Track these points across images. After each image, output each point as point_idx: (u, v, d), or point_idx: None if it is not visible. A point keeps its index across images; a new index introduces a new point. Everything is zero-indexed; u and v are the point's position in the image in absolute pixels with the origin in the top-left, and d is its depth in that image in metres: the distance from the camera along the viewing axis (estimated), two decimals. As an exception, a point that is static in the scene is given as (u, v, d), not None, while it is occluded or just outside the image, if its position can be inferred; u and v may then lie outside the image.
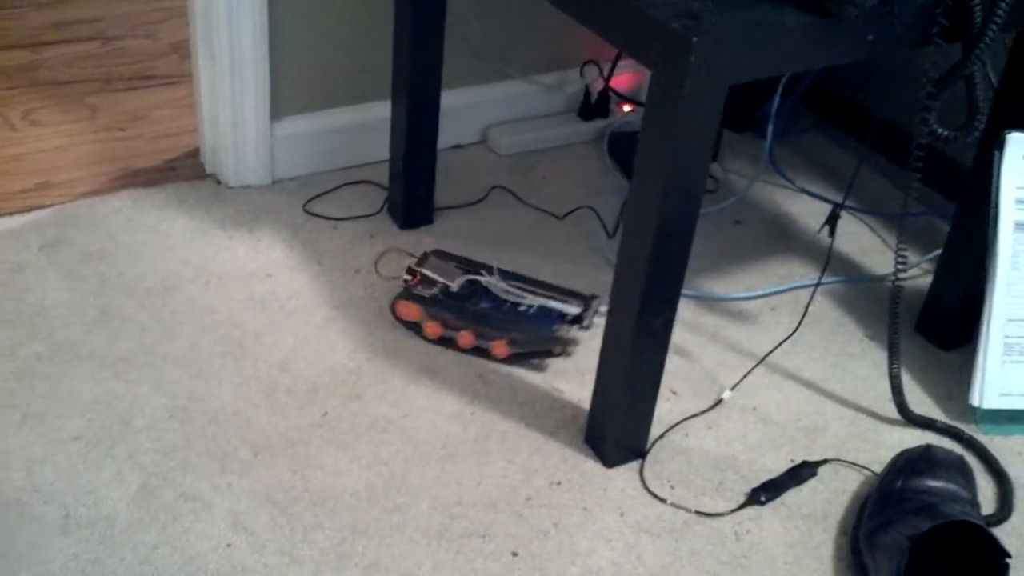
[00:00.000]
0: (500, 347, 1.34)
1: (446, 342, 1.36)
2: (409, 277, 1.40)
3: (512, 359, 1.34)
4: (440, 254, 1.45)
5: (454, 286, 1.38)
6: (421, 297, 1.37)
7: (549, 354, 1.35)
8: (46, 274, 1.41)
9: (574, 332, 1.38)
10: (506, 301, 1.38)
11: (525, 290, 1.40)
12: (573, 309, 1.37)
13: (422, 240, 1.55)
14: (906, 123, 1.67)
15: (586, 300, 1.39)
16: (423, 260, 1.43)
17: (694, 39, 0.94)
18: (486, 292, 1.39)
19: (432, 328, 1.35)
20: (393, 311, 1.38)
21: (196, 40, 1.56)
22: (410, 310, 1.36)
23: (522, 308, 1.37)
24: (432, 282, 1.38)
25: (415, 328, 1.37)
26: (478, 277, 1.39)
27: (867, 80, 1.84)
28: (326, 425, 1.23)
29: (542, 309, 1.38)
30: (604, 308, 1.33)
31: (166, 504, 1.11)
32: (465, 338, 1.34)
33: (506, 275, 1.42)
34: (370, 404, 1.27)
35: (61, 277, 1.40)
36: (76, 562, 1.05)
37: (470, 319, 1.36)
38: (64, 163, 1.63)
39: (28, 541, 1.06)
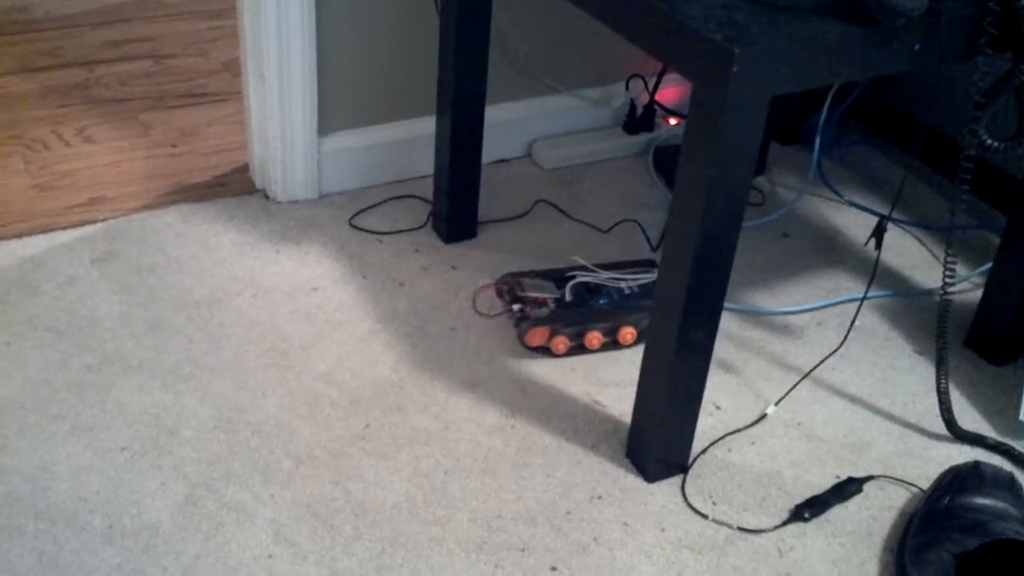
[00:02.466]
0: (628, 334, 1.37)
1: (575, 351, 1.37)
2: (518, 306, 1.39)
3: (641, 340, 1.37)
4: (521, 275, 1.43)
5: (566, 295, 1.38)
6: (540, 319, 1.36)
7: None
8: (97, 287, 1.43)
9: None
10: (614, 290, 1.39)
11: (620, 275, 1.41)
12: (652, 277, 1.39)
13: (467, 253, 1.55)
14: (955, 134, 1.64)
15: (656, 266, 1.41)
16: (516, 286, 1.40)
17: (736, 51, 0.94)
18: (596, 289, 1.40)
19: (559, 343, 1.36)
20: (523, 342, 1.37)
21: (246, 58, 1.58)
22: (539, 334, 1.36)
23: (627, 292, 1.39)
24: (539, 302, 1.38)
25: (543, 351, 1.37)
26: (586, 277, 1.40)
27: (916, 91, 1.81)
28: (368, 437, 1.24)
29: (643, 287, 1.40)
30: None
31: (209, 514, 1.13)
32: (593, 339, 1.36)
33: (596, 267, 1.43)
34: (412, 416, 1.27)
35: (112, 290, 1.43)
36: (120, 571, 1.06)
37: (591, 319, 1.37)
38: (116, 179, 1.67)
39: (73, 549, 1.08)
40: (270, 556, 1.09)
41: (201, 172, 1.70)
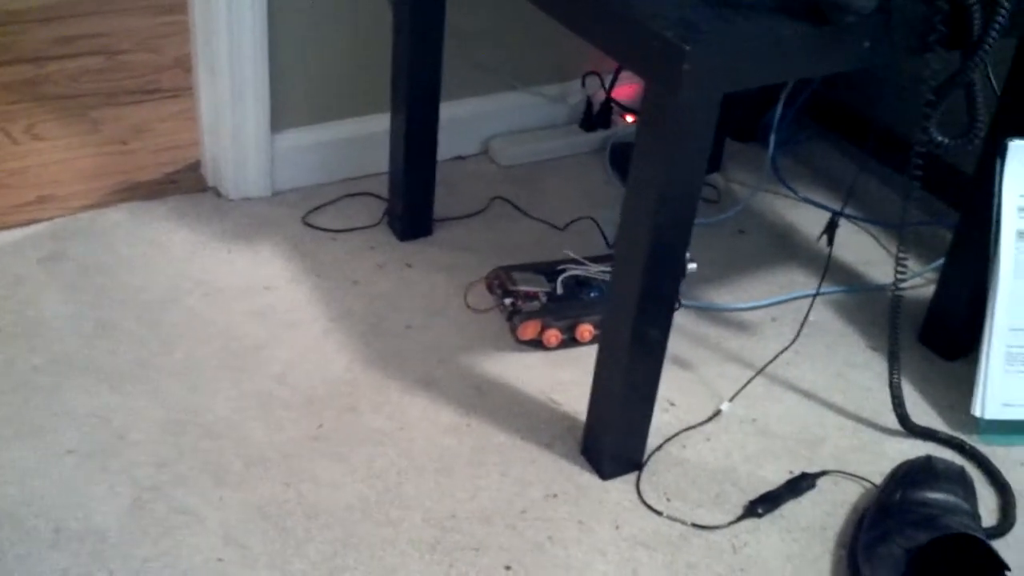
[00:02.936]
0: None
1: (567, 344, 1.37)
2: (510, 300, 1.38)
3: None
4: (511, 268, 1.43)
5: (558, 288, 1.38)
6: (532, 312, 1.36)
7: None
8: (45, 287, 1.41)
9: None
10: (604, 283, 1.39)
11: (611, 268, 1.41)
12: None
13: (423, 251, 1.54)
14: (907, 131, 1.66)
15: None
16: (507, 279, 1.40)
17: (687, 47, 0.93)
18: (586, 282, 1.40)
19: (551, 336, 1.36)
20: (515, 335, 1.36)
21: (197, 53, 1.56)
22: (532, 328, 1.35)
23: None
24: (531, 296, 1.37)
25: (535, 344, 1.37)
26: (576, 271, 1.40)
27: (869, 89, 1.83)
28: (321, 437, 1.23)
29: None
30: (693, 265, 1.38)
31: (158, 518, 1.11)
32: (585, 332, 1.36)
33: (586, 260, 1.43)
34: (366, 416, 1.26)
35: (60, 290, 1.41)
36: (67, 576, 1.04)
37: (582, 312, 1.37)
38: (65, 177, 1.64)
39: (19, 555, 1.06)
40: (220, 559, 1.07)
41: (152, 169, 1.68)
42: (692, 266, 1.35)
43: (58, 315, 1.36)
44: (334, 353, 1.35)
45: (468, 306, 1.42)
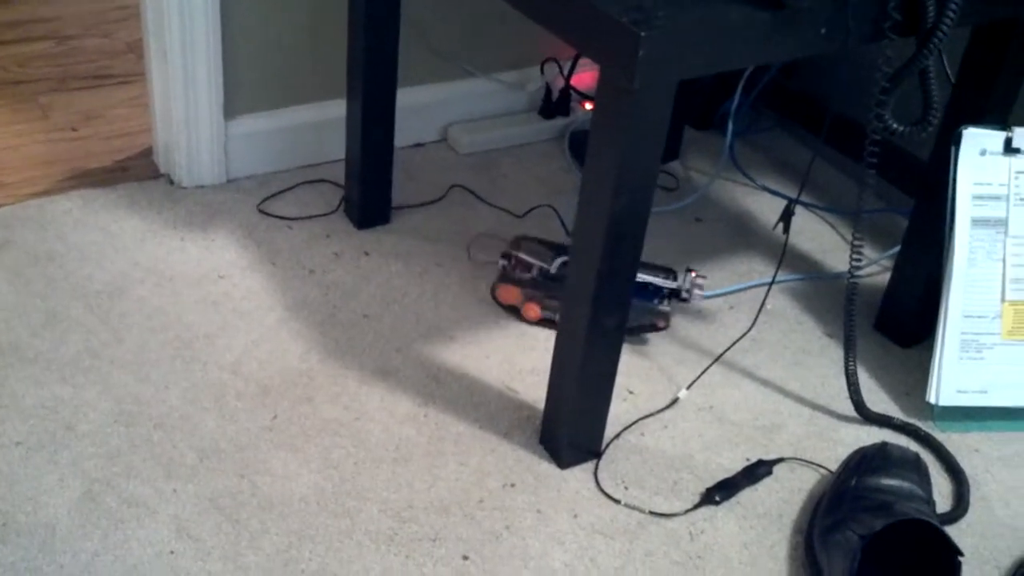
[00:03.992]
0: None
1: (545, 323, 1.37)
2: (506, 262, 1.39)
3: None
4: (531, 239, 1.43)
5: (552, 268, 1.37)
6: (520, 280, 1.37)
7: (654, 328, 1.38)
8: (-8, 276, 1.38)
9: (673, 305, 1.40)
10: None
11: None
12: (671, 283, 1.38)
13: (381, 239, 1.53)
14: (862, 119, 1.66)
15: (674, 273, 1.40)
16: (517, 244, 1.41)
17: (643, 34, 0.93)
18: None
19: (531, 310, 1.36)
20: (493, 295, 1.39)
21: (148, 37, 1.53)
22: (510, 293, 1.37)
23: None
24: (528, 265, 1.38)
25: (513, 311, 1.38)
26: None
27: (826, 77, 1.83)
28: (276, 428, 1.21)
29: (638, 284, 1.38)
30: (701, 281, 1.37)
31: (109, 510, 1.09)
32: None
33: None
34: (322, 407, 1.24)
35: (7, 279, 1.38)
36: (13, 571, 1.02)
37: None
38: (13, 164, 1.60)
39: (-36, 550, 1.04)
40: (172, 552, 1.06)
41: (103, 156, 1.65)
42: (700, 292, 1.35)
43: (5, 304, 1.33)
44: (289, 343, 1.33)
45: (469, 257, 1.46)
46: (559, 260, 1.38)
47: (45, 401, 1.21)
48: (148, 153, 1.66)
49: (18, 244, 1.44)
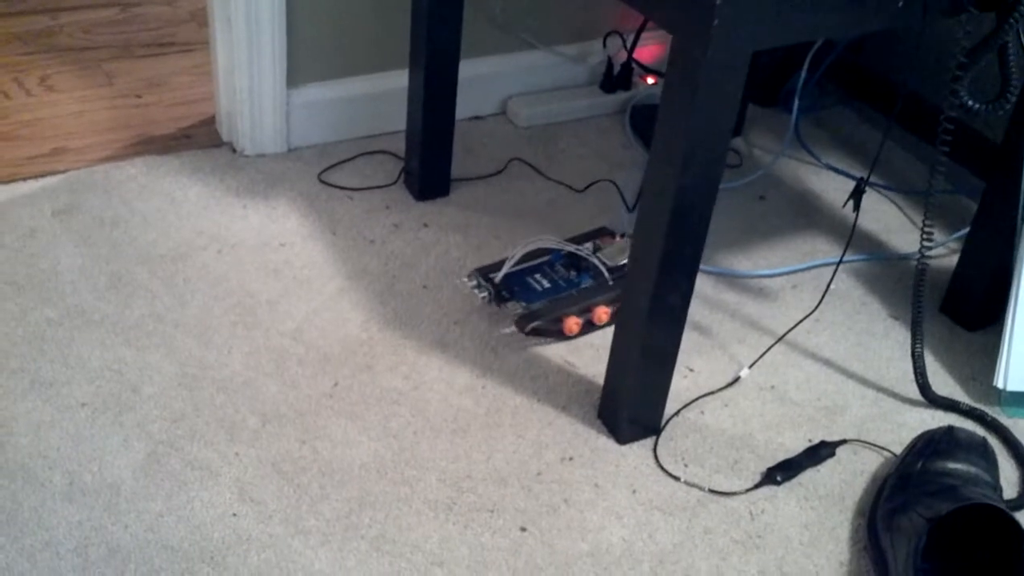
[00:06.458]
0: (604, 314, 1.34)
1: (586, 327, 1.33)
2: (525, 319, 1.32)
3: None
4: (506, 279, 1.35)
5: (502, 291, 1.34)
6: (540, 312, 1.31)
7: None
8: (59, 239, 1.40)
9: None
10: (601, 267, 1.36)
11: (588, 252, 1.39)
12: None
13: (440, 211, 1.52)
14: (934, 98, 1.63)
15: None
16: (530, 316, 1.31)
17: (717, 2, 0.91)
18: (586, 269, 1.37)
19: (571, 324, 1.31)
20: (565, 333, 1.31)
21: (213, 5, 1.54)
22: (574, 323, 1.31)
23: (621, 265, 1.37)
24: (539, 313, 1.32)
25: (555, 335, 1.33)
26: (582, 255, 1.37)
27: (896, 53, 1.79)
28: (336, 396, 1.22)
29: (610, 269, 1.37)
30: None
31: (172, 472, 1.10)
32: (600, 314, 1.33)
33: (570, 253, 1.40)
34: (381, 375, 1.25)
35: (74, 243, 1.39)
36: (80, 529, 1.04)
37: (586, 296, 1.34)
38: (79, 129, 1.62)
39: (32, 506, 1.05)
40: (234, 514, 1.07)
41: (166, 124, 1.66)
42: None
43: (72, 267, 1.35)
44: (349, 311, 1.33)
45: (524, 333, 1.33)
46: (500, 274, 1.34)
47: (110, 363, 1.22)
48: (211, 121, 1.67)
49: (84, 209, 1.45)
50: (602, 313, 1.33)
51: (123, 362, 1.23)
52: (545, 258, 1.39)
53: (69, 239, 1.40)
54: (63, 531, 1.03)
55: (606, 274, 1.36)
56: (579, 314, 1.32)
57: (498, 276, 1.35)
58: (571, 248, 1.39)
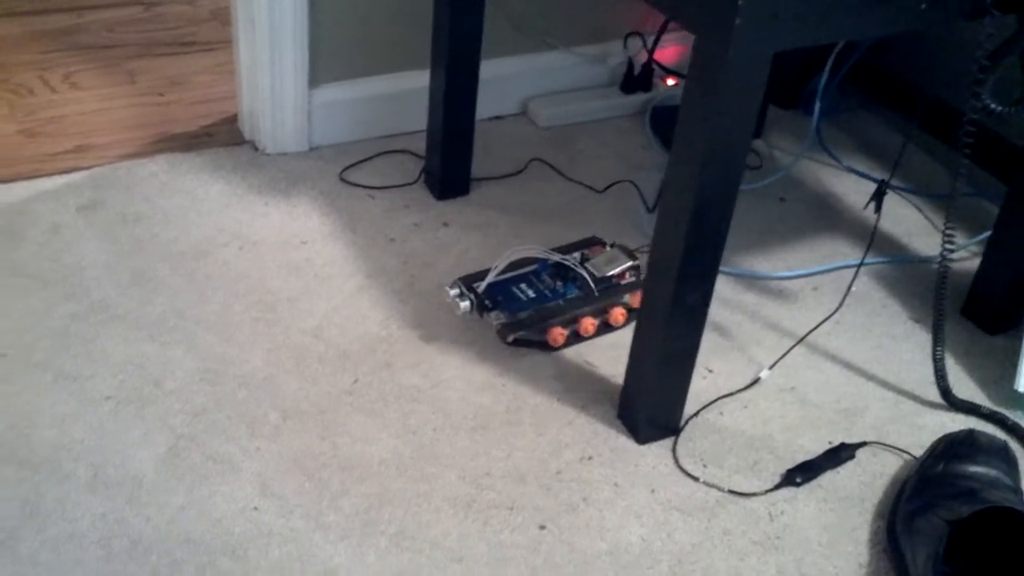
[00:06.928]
0: (618, 315, 1.33)
1: (572, 339, 1.31)
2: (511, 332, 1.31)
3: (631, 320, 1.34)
4: (490, 288, 1.33)
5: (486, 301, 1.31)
6: (524, 322, 1.29)
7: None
8: (83, 235, 1.41)
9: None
10: (587, 277, 1.34)
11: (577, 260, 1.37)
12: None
13: (460, 211, 1.53)
14: (956, 101, 1.62)
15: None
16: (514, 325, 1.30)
17: (740, 2, 0.91)
18: (572, 279, 1.34)
19: (556, 335, 1.29)
20: (549, 343, 1.30)
21: (236, 5, 1.55)
22: (558, 334, 1.30)
23: (609, 275, 1.35)
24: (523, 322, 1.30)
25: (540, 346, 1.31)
26: (569, 264, 1.35)
27: (918, 57, 1.79)
28: (356, 392, 1.22)
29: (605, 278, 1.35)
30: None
31: (194, 465, 1.11)
32: (587, 325, 1.31)
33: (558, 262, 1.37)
34: (401, 373, 1.25)
35: (96, 238, 1.40)
36: (103, 521, 1.05)
37: (572, 307, 1.32)
38: (102, 126, 1.63)
39: (56, 498, 1.06)
40: (256, 508, 1.07)
41: (188, 122, 1.67)
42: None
43: (95, 263, 1.36)
44: (369, 309, 1.34)
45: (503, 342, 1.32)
46: (483, 285, 1.31)
47: (133, 358, 1.23)
48: (232, 120, 1.68)
49: (107, 205, 1.47)
50: (588, 324, 1.31)
51: (145, 357, 1.24)
52: (531, 267, 1.36)
53: (92, 235, 1.41)
54: (87, 523, 1.04)
55: (592, 285, 1.33)
56: (564, 325, 1.31)
57: (481, 285, 1.32)
58: (557, 258, 1.36)
